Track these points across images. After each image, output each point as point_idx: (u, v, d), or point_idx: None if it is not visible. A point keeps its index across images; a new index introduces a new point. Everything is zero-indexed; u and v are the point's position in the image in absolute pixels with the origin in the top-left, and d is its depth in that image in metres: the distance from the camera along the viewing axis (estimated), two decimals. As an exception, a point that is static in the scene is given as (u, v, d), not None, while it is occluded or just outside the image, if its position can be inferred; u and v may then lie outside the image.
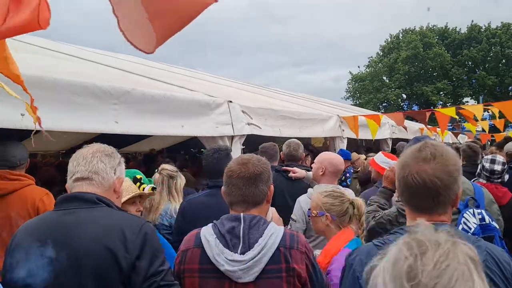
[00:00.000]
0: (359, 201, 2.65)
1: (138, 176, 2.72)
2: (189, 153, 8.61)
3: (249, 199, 1.92)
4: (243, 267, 1.77)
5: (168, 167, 3.61)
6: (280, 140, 5.24)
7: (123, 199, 2.36)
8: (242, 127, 4.55)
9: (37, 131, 2.41)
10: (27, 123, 2.72)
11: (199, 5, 1.17)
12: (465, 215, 2.40)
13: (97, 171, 1.85)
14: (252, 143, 5.21)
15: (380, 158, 4.05)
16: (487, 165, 4.04)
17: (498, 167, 3.97)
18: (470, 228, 2.35)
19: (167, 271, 1.74)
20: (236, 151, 4.27)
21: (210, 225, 1.94)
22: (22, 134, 5.17)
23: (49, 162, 6.79)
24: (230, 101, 4.49)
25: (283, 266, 1.81)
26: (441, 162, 1.51)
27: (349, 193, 3.25)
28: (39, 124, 2.06)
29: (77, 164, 1.86)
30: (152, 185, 2.78)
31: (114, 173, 1.91)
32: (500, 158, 4.09)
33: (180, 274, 1.88)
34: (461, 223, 2.37)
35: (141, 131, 3.70)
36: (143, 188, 2.67)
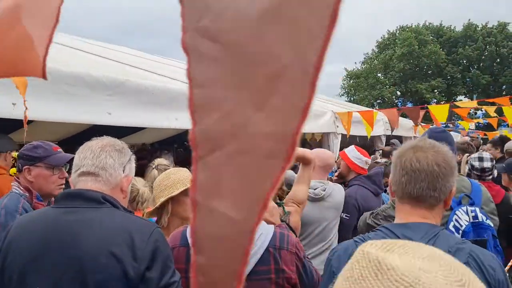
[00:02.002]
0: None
1: None
2: (183, 147, 8.57)
3: None
4: None
5: (164, 162, 3.47)
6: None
7: (181, 188, 2.20)
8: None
9: (30, 121, 2.37)
10: (19, 112, 2.69)
11: (21, 69, 1.00)
12: (457, 212, 2.39)
13: (104, 167, 1.69)
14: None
15: (353, 153, 3.95)
16: (476, 164, 4.06)
17: (488, 164, 3.99)
18: (462, 226, 2.35)
19: (179, 283, 1.60)
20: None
21: None
22: (14, 125, 5.12)
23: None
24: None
25: (272, 267, 1.76)
26: (441, 151, 1.52)
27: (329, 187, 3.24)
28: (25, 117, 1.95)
29: (84, 158, 1.69)
30: None
31: (123, 171, 1.75)
32: (486, 154, 4.11)
33: None
34: (452, 221, 2.37)
35: (134, 123, 3.67)
36: None
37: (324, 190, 3.29)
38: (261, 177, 0.42)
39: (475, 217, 2.39)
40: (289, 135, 0.41)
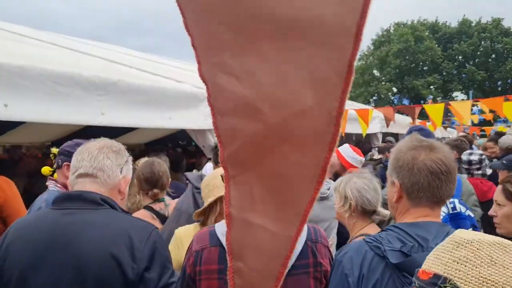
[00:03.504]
0: None
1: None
2: (180, 147, 8.53)
3: None
4: None
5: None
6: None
7: (219, 194, 2.12)
8: (231, 120, 4.50)
9: (23, 123, 2.35)
10: (10, 113, 2.66)
11: None
12: None
13: (102, 168, 1.69)
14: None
15: (347, 152, 3.91)
16: (464, 157, 4.12)
17: (475, 157, 4.04)
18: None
19: (177, 284, 1.61)
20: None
21: (222, 221, 1.80)
22: (7, 126, 5.09)
23: (34, 154, 6.69)
24: (219, 93, 4.44)
25: (310, 261, 1.73)
26: (446, 151, 1.53)
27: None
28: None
29: (82, 159, 1.70)
30: None
31: (121, 172, 1.76)
32: (477, 151, 4.17)
33: (195, 276, 1.71)
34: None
35: (128, 123, 3.64)
36: None
37: (329, 189, 3.27)
38: (296, 192, 0.42)
39: (454, 208, 2.44)
40: (320, 163, 0.41)
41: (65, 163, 2.56)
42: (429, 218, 1.50)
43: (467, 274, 0.89)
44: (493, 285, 0.86)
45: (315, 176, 0.41)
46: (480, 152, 4.21)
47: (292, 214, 0.42)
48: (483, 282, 0.87)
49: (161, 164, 3.01)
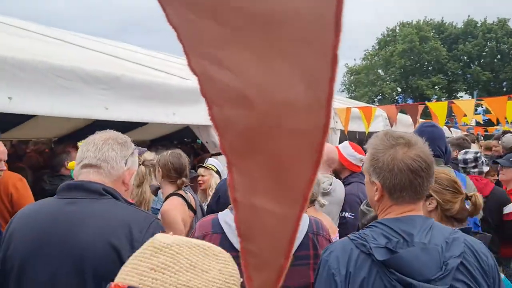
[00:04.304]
0: None
1: None
2: (183, 143, 8.55)
3: None
4: None
5: (149, 157, 3.49)
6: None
7: None
8: (234, 116, 4.52)
9: (30, 117, 2.37)
10: (15, 106, 2.68)
11: None
12: None
13: (106, 159, 1.71)
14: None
15: (347, 150, 3.83)
16: (460, 156, 4.15)
17: (470, 156, 4.06)
18: None
19: None
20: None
21: (227, 210, 1.84)
22: (14, 122, 5.12)
23: (40, 149, 6.74)
24: (222, 90, 4.45)
25: (311, 253, 1.74)
26: (422, 145, 1.51)
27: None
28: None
29: (87, 150, 1.73)
30: None
31: (125, 164, 1.77)
32: (472, 149, 4.21)
33: None
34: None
35: (131, 118, 3.66)
36: None
37: (331, 185, 3.28)
38: (294, 175, 0.44)
39: None
40: (320, 128, 0.42)
41: None
42: (413, 212, 1.49)
43: (165, 283, 0.80)
44: None
45: (311, 158, 0.43)
46: (475, 150, 4.24)
47: (293, 196, 0.45)
48: None
49: (185, 156, 3.29)
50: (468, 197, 2.05)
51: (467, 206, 2.14)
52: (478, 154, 4.12)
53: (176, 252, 0.84)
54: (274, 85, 0.42)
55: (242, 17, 0.41)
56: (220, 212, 1.86)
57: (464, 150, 4.24)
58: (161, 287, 0.80)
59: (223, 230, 1.76)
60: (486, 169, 4.17)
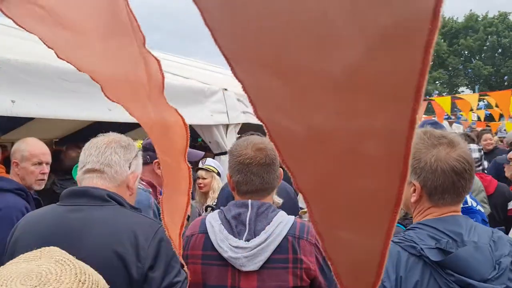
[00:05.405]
0: None
1: None
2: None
3: (269, 187, 1.80)
4: (247, 254, 1.65)
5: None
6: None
7: None
8: (237, 116, 4.51)
9: (31, 119, 2.35)
10: (18, 109, 2.67)
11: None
12: None
13: (110, 164, 1.67)
14: (245, 132, 5.17)
15: None
16: None
17: (476, 155, 4.02)
18: None
19: (183, 283, 1.57)
20: (231, 141, 4.23)
21: (216, 211, 1.84)
22: (15, 123, 5.11)
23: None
24: (225, 89, 4.44)
25: (290, 256, 1.68)
26: (465, 145, 1.46)
27: None
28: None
29: (89, 154, 1.68)
30: None
31: (129, 167, 1.73)
32: (474, 146, 4.18)
33: (184, 260, 1.74)
34: None
35: (135, 119, 3.63)
36: None
37: None
38: (376, 213, 0.44)
39: (465, 202, 2.42)
40: (395, 188, 0.42)
41: (156, 160, 2.47)
42: (455, 213, 1.44)
43: None
44: None
45: (390, 199, 0.42)
46: (479, 147, 4.21)
47: (376, 233, 0.45)
48: None
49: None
50: None
51: None
52: (482, 152, 4.11)
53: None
54: (355, 127, 0.41)
55: (309, 76, 0.40)
56: (210, 213, 1.86)
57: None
58: None
59: (207, 230, 1.76)
60: (486, 164, 4.18)
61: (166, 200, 1.07)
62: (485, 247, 1.33)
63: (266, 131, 0.48)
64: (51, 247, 0.96)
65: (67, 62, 0.98)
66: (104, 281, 0.81)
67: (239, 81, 0.46)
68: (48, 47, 0.99)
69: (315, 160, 0.45)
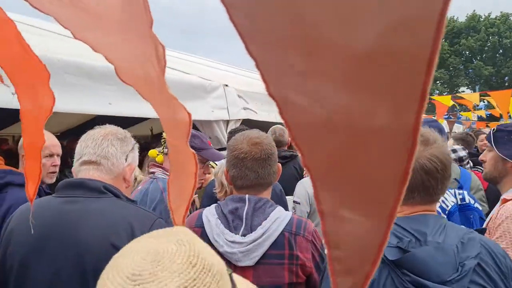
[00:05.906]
0: None
1: None
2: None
3: (264, 182, 1.80)
4: (243, 249, 1.64)
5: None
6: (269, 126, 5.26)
7: None
8: (238, 112, 4.51)
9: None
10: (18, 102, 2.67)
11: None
12: (444, 194, 2.42)
13: (106, 156, 1.66)
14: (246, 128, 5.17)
15: None
16: (453, 155, 4.19)
17: (463, 153, 4.08)
18: (448, 206, 2.39)
19: None
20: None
21: (213, 205, 1.83)
22: (16, 117, 5.12)
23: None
24: (226, 85, 4.44)
25: (286, 252, 1.68)
26: (441, 144, 1.44)
27: None
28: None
29: (86, 146, 1.67)
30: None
31: (126, 160, 1.73)
32: (457, 146, 4.24)
33: None
34: (438, 201, 2.39)
35: (134, 113, 3.64)
36: None
37: None
38: (382, 194, 0.45)
39: (463, 199, 2.42)
40: (402, 167, 0.42)
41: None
42: (428, 212, 1.43)
43: None
44: None
45: (397, 179, 0.43)
46: (461, 147, 4.28)
47: (380, 212, 0.46)
48: None
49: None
50: None
51: None
52: (466, 150, 4.16)
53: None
54: (362, 114, 0.41)
55: (331, 51, 0.40)
56: (207, 207, 1.85)
57: (451, 149, 4.26)
58: None
59: (203, 224, 1.76)
60: (470, 163, 4.25)
61: (173, 182, 1.08)
62: (450, 248, 1.28)
63: (277, 108, 0.48)
64: (181, 226, 0.98)
65: (83, 42, 1.01)
66: (224, 267, 0.83)
67: (253, 57, 0.46)
68: (64, 27, 1.01)
69: (328, 138, 0.46)
